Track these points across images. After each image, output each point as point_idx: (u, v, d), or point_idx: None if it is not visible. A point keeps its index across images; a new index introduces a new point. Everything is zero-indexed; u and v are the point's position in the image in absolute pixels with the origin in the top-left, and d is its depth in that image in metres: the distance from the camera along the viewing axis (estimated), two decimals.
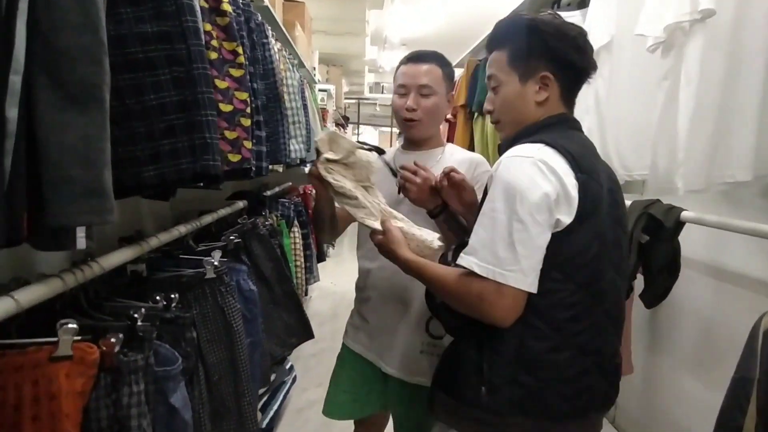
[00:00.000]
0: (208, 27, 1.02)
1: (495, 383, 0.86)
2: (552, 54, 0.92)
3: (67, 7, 0.52)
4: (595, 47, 1.58)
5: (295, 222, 2.34)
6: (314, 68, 3.97)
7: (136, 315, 0.81)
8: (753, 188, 1.39)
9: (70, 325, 0.68)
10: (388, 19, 4.86)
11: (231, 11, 1.07)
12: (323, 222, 1.31)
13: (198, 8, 0.83)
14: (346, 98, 7.46)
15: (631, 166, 1.62)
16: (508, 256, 0.80)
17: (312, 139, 2.63)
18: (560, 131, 0.93)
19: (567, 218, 0.83)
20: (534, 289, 0.82)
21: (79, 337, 0.70)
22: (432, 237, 1.07)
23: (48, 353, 0.67)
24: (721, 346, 1.64)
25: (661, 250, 1.54)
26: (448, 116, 3.83)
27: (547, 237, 0.82)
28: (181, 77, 0.80)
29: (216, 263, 1.21)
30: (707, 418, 1.63)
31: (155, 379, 0.81)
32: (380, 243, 1.02)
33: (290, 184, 3.25)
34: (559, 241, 0.83)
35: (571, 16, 1.95)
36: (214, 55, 1.04)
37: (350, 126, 9.56)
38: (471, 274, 0.83)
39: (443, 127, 4.24)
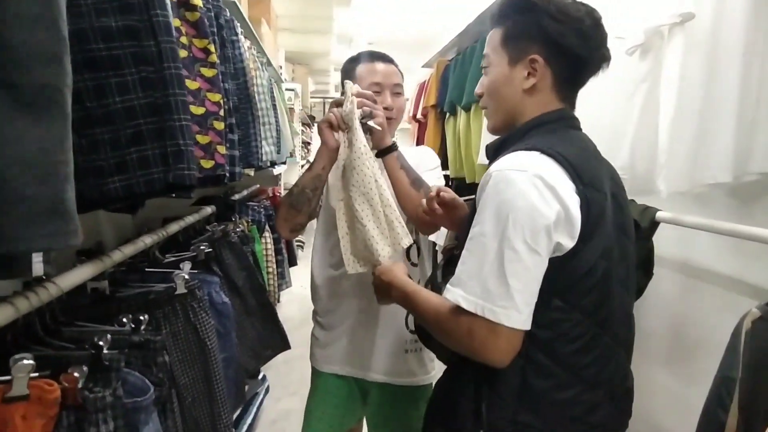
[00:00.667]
0: (177, 23, 0.94)
1: (496, 426, 0.76)
2: (546, 35, 0.80)
3: None
4: None
5: (266, 227, 2.25)
6: (281, 67, 3.86)
7: (101, 342, 0.73)
8: (721, 188, 1.43)
9: (24, 362, 0.60)
10: (355, 18, 4.79)
11: (201, 5, 0.99)
12: (311, 194, 1.17)
13: (168, 1, 0.75)
14: (312, 97, 7.33)
15: None
16: (500, 289, 0.70)
17: (282, 141, 2.55)
18: (556, 133, 0.82)
19: (569, 241, 0.73)
20: (529, 326, 0.72)
21: (36, 374, 0.61)
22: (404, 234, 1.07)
23: (1, 393, 0.59)
24: (692, 341, 1.68)
25: (637, 249, 1.56)
26: (419, 116, 3.82)
27: (545, 266, 0.73)
28: (151, 78, 0.72)
29: (186, 276, 1.13)
30: (680, 411, 1.68)
31: (125, 413, 0.73)
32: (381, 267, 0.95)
33: (258, 186, 3.14)
34: (561, 265, 0.74)
35: None
36: (183, 54, 0.95)
37: (316, 125, 9.40)
38: (460, 308, 0.73)
39: (413, 127, 4.24)
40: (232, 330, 1.37)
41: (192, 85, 0.97)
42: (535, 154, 0.76)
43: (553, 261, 0.73)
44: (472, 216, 0.82)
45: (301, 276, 4.29)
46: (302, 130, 5.66)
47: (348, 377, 1.34)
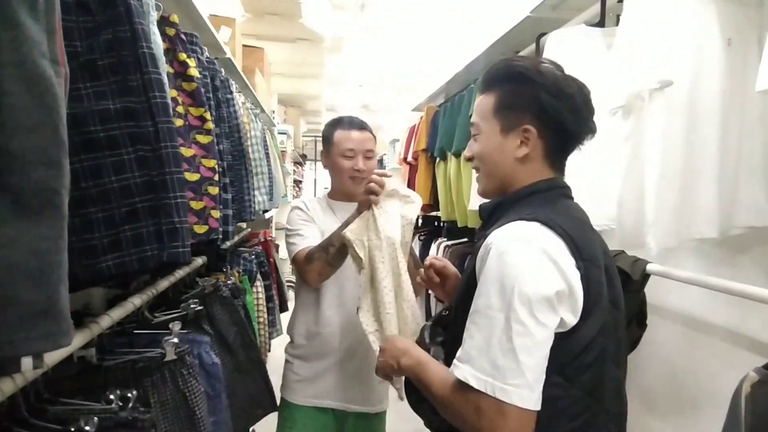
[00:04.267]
0: (174, 93, 0.96)
1: None
2: (541, 109, 0.82)
3: (21, 105, 0.45)
4: None
5: (258, 276, 2.22)
6: (273, 111, 3.93)
7: (87, 427, 0.70)
8: (710, 240, 1.45)
9: None
10: (347, 62, 4.93)
11: (198, 76, 1.01)
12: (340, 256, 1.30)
13: (167, 83, 0.77)
14: (303, 137, 7.44)
15: (592, 217, 1.65)
16: (510, 365, 0.68)
17: (274, 187, 2.56)
18: (553, 203, 0.83)
19: (572, 317, 0.73)
20: (539, 407, 0.70)
21: None
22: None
23: None
24: (690, 393, 1.67)
25: (630, 301, 1.56)
26: (409, 159, 3.88)
27: (551, 341, 0.72)
28: (148, 156, 0.73)
29: (176, 341, 1.10)
30: None
31: None
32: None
33: (250, 230, 3.13)
34: (560, 341, 0.73)
35: None
36: (179, 122, 0.97)
37: (307, 163, 9.53)
38: (468, 385, 0.71)
39: (404, 169, 4.29)
40: (223, 392, 1.33)
41: (187, 152, 0.98)
42: (536, 225, 0.76)
43: (554, 336, 0.73)
44: (470, 277, 0.80)
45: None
46: (294, 170, 5.71)
47: (327, 409, 1.44)
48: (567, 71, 1.43)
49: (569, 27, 1.76)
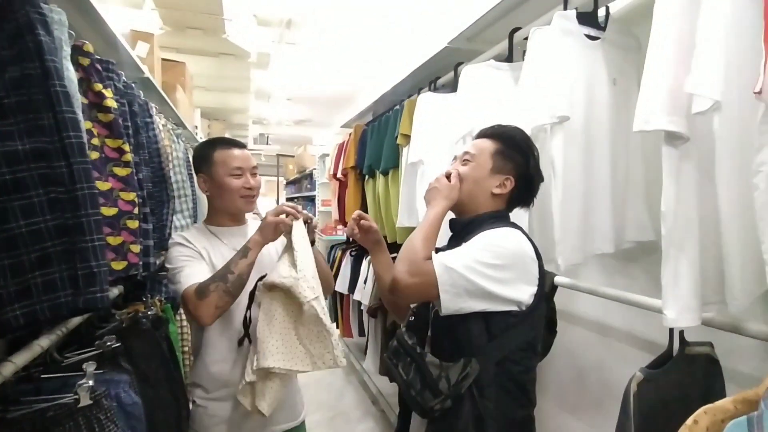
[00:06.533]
0: (89, 125, 0.92)
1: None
2: (524, 171, 1.19)
3: None
4: (460, 135, 1.76)
5: None
6: (196, 127, 3.78)
7: None
8: (609, 253, 1.63)
9: None
10: (273, 76, 4.88)
11: (115, 107, 0.97)
12: (245, 279, 1.28)
13: (82, 121, 0.74)
14: None
15: None
16: None
17: (198, 207, 2.47)
18: (514, 224, 1.18)
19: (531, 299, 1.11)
20: None
21: None
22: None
23: None
24: (594, 388, 1.85)
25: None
26: (339, 176, 3.91)
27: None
28: (60, 198, 0.69)
29: (91, 384, 1.03)
30: None
31: None
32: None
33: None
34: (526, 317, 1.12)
35: (444, 98, 2.15)
36: (94, 155, 0.93)
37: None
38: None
39: (333, 185, 4.31)
40: None
41: (103, 186, 0.94)
42: (518, 231, 1.14)
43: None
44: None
45: None
46: None
47: None
48: (479, 103, 1.65)
49: (481, 60, 1.89)
